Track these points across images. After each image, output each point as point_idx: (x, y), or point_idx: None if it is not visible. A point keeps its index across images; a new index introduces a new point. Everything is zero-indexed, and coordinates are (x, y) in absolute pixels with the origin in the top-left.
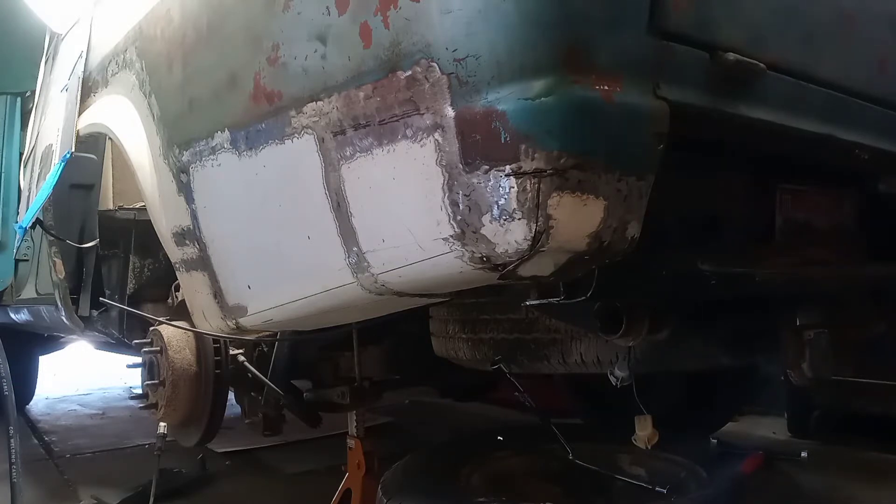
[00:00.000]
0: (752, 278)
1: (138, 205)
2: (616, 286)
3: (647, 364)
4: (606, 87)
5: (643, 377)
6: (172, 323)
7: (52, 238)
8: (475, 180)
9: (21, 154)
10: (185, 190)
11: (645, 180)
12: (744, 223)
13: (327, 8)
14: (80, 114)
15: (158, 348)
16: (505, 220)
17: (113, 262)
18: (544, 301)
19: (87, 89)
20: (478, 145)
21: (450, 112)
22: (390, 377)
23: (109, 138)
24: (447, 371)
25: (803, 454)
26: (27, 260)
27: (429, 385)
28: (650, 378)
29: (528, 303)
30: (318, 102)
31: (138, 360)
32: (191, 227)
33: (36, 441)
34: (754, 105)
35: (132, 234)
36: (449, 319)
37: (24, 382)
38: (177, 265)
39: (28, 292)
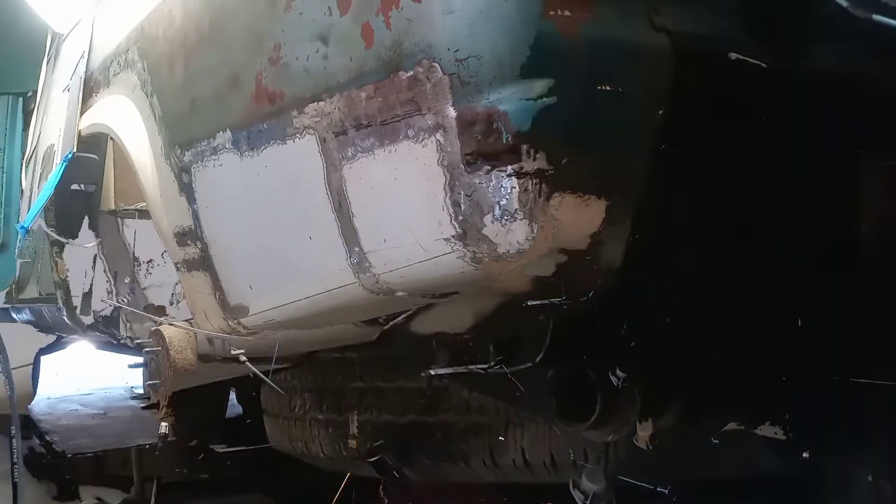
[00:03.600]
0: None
1: (140, 205)
2: (583, 344)
3: (637, 469)
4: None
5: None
6: (174, 323)
7: (54, 238)
8: (477, 180)
9: (23, 154)
10: (187, 190)
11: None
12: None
13: (329, 8)
14: (81, 114)
15: (160, 348)
16: (507, 220)
17: None
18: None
19: (89, 89)
20: (479, 145)
21: (451, 112)
22: None
23: (111, 138)
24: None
25: None
26: (29, 260)
27: None
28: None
29: (433, 371)
30: (320, 103)
31: (140, 359)
32: (192, 227)
33: (38, 441)
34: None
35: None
36: (297, 388)
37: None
38: (178, 265)
39: (30, 292)
